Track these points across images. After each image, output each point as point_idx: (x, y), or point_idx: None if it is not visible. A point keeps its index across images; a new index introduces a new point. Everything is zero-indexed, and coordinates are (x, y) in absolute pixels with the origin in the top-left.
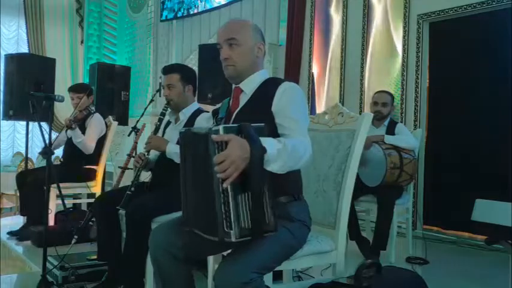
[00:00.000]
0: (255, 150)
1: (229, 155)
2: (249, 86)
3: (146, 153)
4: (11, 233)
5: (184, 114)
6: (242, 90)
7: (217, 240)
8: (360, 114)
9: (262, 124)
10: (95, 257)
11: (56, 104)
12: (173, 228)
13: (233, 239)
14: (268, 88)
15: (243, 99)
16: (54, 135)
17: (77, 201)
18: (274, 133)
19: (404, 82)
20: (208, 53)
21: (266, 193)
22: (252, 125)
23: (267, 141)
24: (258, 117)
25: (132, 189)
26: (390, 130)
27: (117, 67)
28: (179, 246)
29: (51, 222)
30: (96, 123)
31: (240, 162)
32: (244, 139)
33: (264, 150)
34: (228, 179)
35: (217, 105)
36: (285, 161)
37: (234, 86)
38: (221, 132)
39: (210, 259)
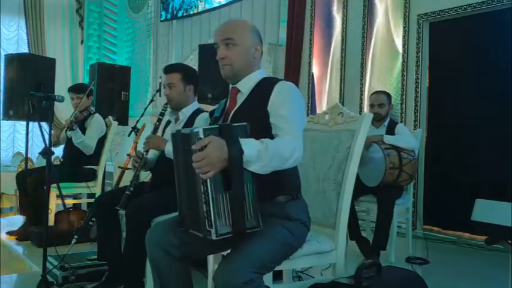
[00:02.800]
0: (233, 152)
1: (207, 156)
2: (246, 85)
3: (145, 153)
4: (10, 233)
5: (184, 114)
6: (239, 90)
7: (203, 238)
8: (360, 114)
9: (245, 123)
10: (95, 257)
11: (56, 104)
12: (170, 227)
13: (213, 237)
14: (265, 87)
15: (240, 99)
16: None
17: (77, 201)
18: (268, 133)
19: (404, 82)
20: (208, 53)
21: (248, 191)
22: (235, 124)
23: (247, 142)
24: (255, 117)
25: (131, 189)
26: (390, 130)
27: (117, 67)
28: (176, 245)
29: (51, 222)
30: (96, 124)
31: (217, 162)
32: (223, 140)
33: (242, 151)
34: (204, 175)
35: (216, 106)
36: (266, 162)
37: (231, 86)
38: (201, 133)
39: (210, 259)
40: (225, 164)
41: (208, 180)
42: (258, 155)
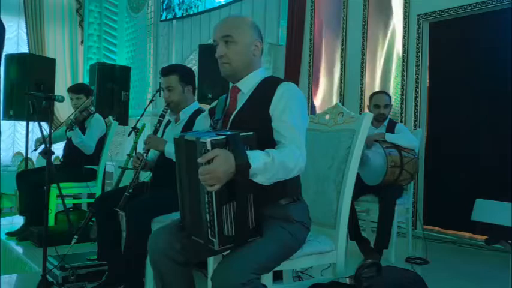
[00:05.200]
0: (239, 165)
1: (214, 171)
2: (247, 85)
3: (145, 154)
4: (10, 234)
5: (185, 114)
6: (240, 90)
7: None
8: (360, 114)
9: (252, 133)
10: (95, 257)
11: (56, 104)
12: (172, 232)
13: (216, 248)
14: (267, 88)
15: (241, 100)
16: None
17: (77, 201)
18: (270, 136)
19: (404, 82)
20: (208, 53)
21: (251, 201)
22: (241, 134)
23: (254, 155)
24: (256, 119)
25: (131, 190)
26: (390, 130)
27: (117, 67)
28: (178, 250)
29: (51, 222)
30: (96, 124)
31: (223, 176)
32: (230, 153)
33: (249, 165)
34: (210, 187)
35: (214, 103)
36: (272, 174)
37: (231, 85)
38: (208, 145)
39: (211, 259)
40: (231, 177)
41: (213, 192)
42: (264, 168)
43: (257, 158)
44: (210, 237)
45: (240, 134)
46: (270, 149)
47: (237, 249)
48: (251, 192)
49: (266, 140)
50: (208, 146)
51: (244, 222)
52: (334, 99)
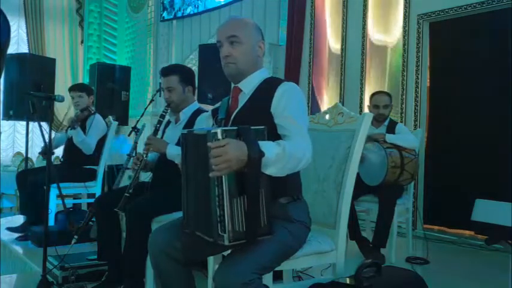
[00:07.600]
0: (252, 154)
1: (226, 153)
2: (248, 85)
3: (145, 155)
4: (11, 229)
5: (185, 114)
6: (241, 90)
7: (213, 242)
8: (360, 114)
9: (263, 127)
10: (95, 257)
11: (56, 104)
12: (172, 230)
13: (226, 243)
14: (268, 88)
15: (242, 100)
16: (54, 135)
17: (77, 201)
18: (273, 133)
19: (404, 82)
20: (208, 53)
21: (263, 196)
22: (252, 127)
23: (266, 145)
24: (257, 118)
25: (130, 191)
26: (390, 130)
27: (117, 67)
28: (179, 249)
29: (51, 222)
30: (97, 124)
31: (235, 162)
32: (242, 142)
33: (262, 154)
34: (216, 172)
35: (217, 104)
36: (283, 165)
37: (232, 85)
38: (219, 134)
39: (211, 259)
40: (242, 165)
41: (224, 183)
42: (276, 158)
43: (269, 148)
44: (219, 232)
45: (251, 128)
46: (279, 140)
47: (237, 250)
48: (262, 186)
49: (268, 138)
50: (219, 136)
51: (256, 218)
52: (334, 99)
